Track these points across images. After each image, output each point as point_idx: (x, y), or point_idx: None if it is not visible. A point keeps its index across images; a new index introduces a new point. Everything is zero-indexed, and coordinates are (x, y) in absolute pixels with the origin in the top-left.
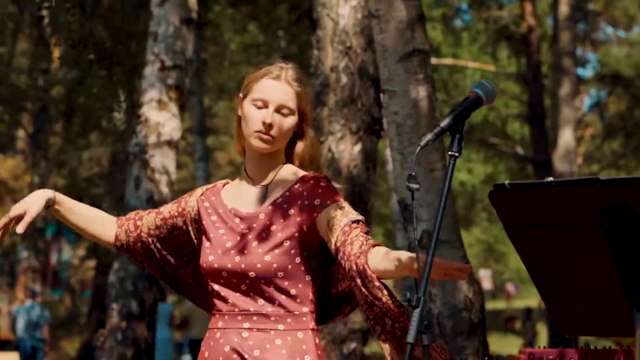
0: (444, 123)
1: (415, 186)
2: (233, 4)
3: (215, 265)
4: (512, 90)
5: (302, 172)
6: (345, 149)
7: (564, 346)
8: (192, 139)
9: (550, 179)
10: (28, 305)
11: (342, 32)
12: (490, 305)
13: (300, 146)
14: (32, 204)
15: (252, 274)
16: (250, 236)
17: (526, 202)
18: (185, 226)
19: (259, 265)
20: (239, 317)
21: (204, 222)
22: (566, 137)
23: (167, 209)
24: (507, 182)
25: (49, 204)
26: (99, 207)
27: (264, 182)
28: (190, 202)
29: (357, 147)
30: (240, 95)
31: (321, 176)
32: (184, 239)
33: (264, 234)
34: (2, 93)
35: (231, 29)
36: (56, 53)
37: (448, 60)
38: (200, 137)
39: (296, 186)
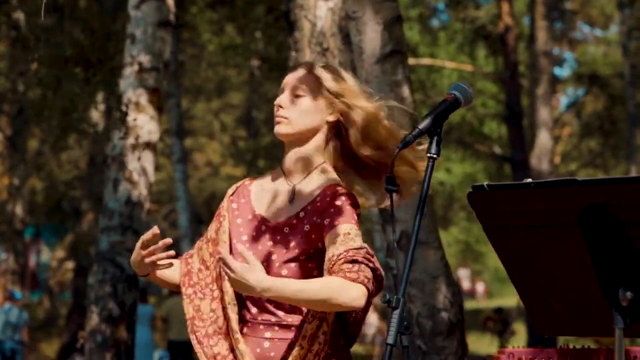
0: (423, 125)
1: (393, 188)
2: (210, 5)
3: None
4: (489, 90)
5: (331, 178)
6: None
7: (542, 346)
8: (170, 140)
9: (529, 180)
10: (6, 308)
11: (319, 34)
12: (468, 305)
13: (348, 137)
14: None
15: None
16: (272, 248)
17: (505, 203)
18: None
19: (295, 270)
20: (261, 327)
21: (231, 227)
22: (543, 136)
23: (213, 228)
24: (485, 183)
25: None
26: (77, 209)
27: (295, 181)
28: (224, 204)
29: None
30: None
31: (340, 193)
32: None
33: (283, 247)
34: None
35: (209, 31)
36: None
37: (426, 60)
38: (178, 139)
39: (317, 200)
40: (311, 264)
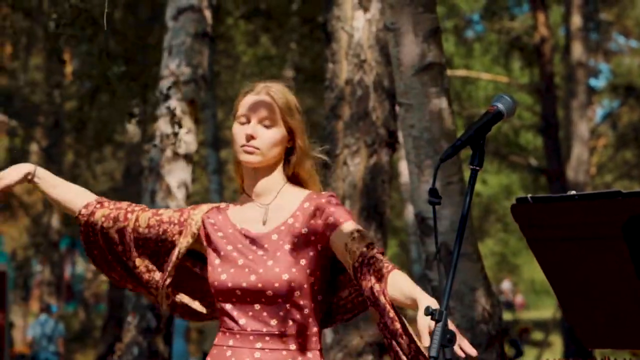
0: (465, 136)
1: (436, 200)
2: (246, 16)
3: (229, 284)
4: (525, 101)
5: (306, 191)
6: (360, 162)
7: (580, 358)
8: (206, 152)
9: (573, 192)
10: (42, 319)
11: (356, 45)
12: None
13: (292, 159)
14: (10, 173)
15: (269, 292)
16: (264, 256)
17: (548, 216)
18: (177, 236)
19: (276, 285)
20: (251, 337)
21: (212, 238)
22: (579, 148)
23: (168, 214)
24: (529, 195)
25: (29, 177)
26: None
27: (266, 202)
28: (195, 215)
29: (372, 160)
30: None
31: (330, 194)
32: (167, 247)
33: (278, 253)
34: (15, 107)
35: (243, 42)
36: (69, 68)
37: (461, 72)
38: (213, 150)
39: (305, 205)
40: (309, 269)
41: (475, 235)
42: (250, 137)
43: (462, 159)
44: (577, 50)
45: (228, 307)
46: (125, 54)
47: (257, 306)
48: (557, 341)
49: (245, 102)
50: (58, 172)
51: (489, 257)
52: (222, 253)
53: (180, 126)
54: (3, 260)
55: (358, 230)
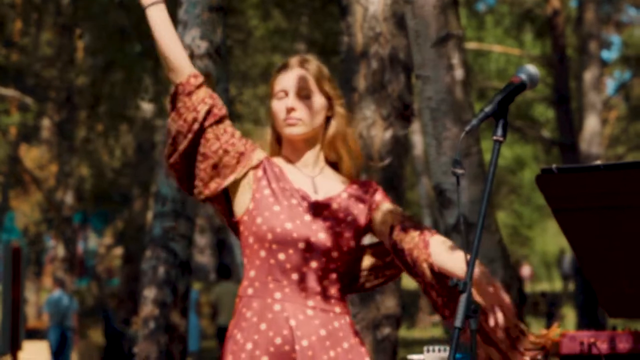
0: (489, 108)
1: (460, 171)
2: None
3: (295, 235)
4: None
5: (346, 176)
6: (376, 135)
7: (594, 329)
8: None
9: (599, 162)
10: (56, 295)
11: (371, 18)
12: None
13: (331, 125)
14: None
15: (334, 254)
16: (330, 221)
17: (574, 186)
18: (236, 161)
19: (345, 249)
20: (303, 294)
21: (271, 184)
22: (592, 120)
23: (238, 136)
24: (554, 165)
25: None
26: (127, 196)
27: (310, 173)
28: (257, 154)
29: (388, 133)
30: (269, 102)
31: (372, 181)
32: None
33: (342, 223)
34: (27, 83)
35: (255, 16)
36: (80, 44)
37: (473, 45)
38: None
39: (354, 186)
40: (358, 242)
41: (493, 207)
42: (291, 109)
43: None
44: (590, 22)
45: (282, 257)
46: (137, 29)
47: (313, 264)
48: (569, 313)
49: (279, 80)
50: (70, 148)
51: (501, 229)
52: (285, 203)
53: None
54: (16, 236)
55: (395, 207)
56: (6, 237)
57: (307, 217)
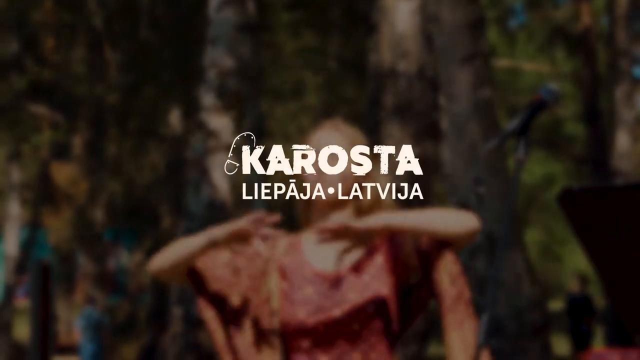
0: (511, 127)
1: (482, 190)
2: (288, 7)
3: (312, 321)
4: (568, 91)
5: None
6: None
7: (622, 346)
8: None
9: (619, 182)
10: (87, 311)
11: (399, 37)
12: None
13: (365, 189)
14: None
15: (356, 326)
16: (346, 291)
17: (595, 205)
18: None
19: (363, 315)
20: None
21: (288, 275)
22: (623, 137)
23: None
24: (575, 185)
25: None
26: (156, 213)
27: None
28: (273, 256)
29: (416, 150)
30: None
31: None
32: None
33: (364, 290)
34: (58, 100)
35: (286, 33)
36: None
37: (504, 62)
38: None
39: (380, 242)
40: (394, 303)
41: (520, 224)
42: (320, 172)
43: (506, 149)
44: (621, 39)
45: (306, 345)
46: (167, 46)
47: (340, 343)
48: (597, 330)
49: (313, 139)
50: (101, 165)
51: (533, 246)
52: (298, 292)
53: (223, 118)
54: (48, 252)
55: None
56: (38, 254)
57: (319, 300)
